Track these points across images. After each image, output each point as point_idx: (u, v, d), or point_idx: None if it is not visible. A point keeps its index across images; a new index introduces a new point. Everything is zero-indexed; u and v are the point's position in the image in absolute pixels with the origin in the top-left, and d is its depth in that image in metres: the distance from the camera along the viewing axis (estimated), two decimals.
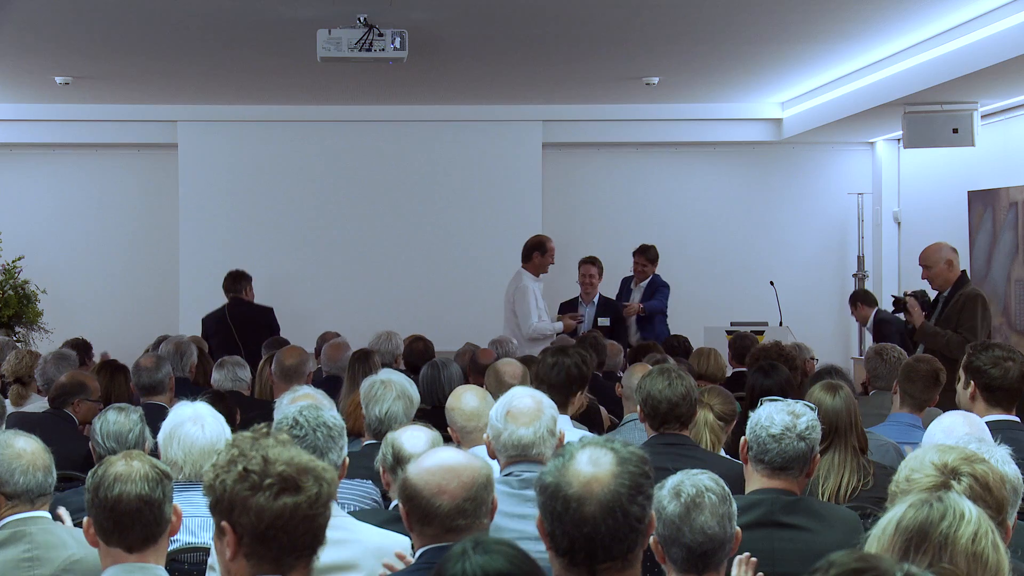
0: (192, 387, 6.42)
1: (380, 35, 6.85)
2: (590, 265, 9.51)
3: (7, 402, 5.76)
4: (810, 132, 10.59)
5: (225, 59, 8.65)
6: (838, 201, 11.68)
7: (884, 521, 2.18)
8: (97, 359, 7.56)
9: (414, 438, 3.72)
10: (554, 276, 9.85)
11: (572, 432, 4.42)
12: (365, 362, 6.05)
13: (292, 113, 11.05)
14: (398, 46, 6.91)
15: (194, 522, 3.56)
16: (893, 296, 8.08)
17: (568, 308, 9.43)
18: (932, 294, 7.40)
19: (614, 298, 9.68)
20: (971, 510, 2.15)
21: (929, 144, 8.83)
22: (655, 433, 4.28)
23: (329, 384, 6.82)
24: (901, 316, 7.72)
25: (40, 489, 3.39)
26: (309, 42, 7.02)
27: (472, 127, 11.18)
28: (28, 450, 3.40)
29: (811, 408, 3.53)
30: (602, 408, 6.01)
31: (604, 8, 6.98)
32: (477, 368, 6.48)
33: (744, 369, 6.71)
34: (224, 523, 2.42)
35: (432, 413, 5.30)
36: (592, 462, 2.41)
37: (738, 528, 2.88)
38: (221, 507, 2.43)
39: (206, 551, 3.43)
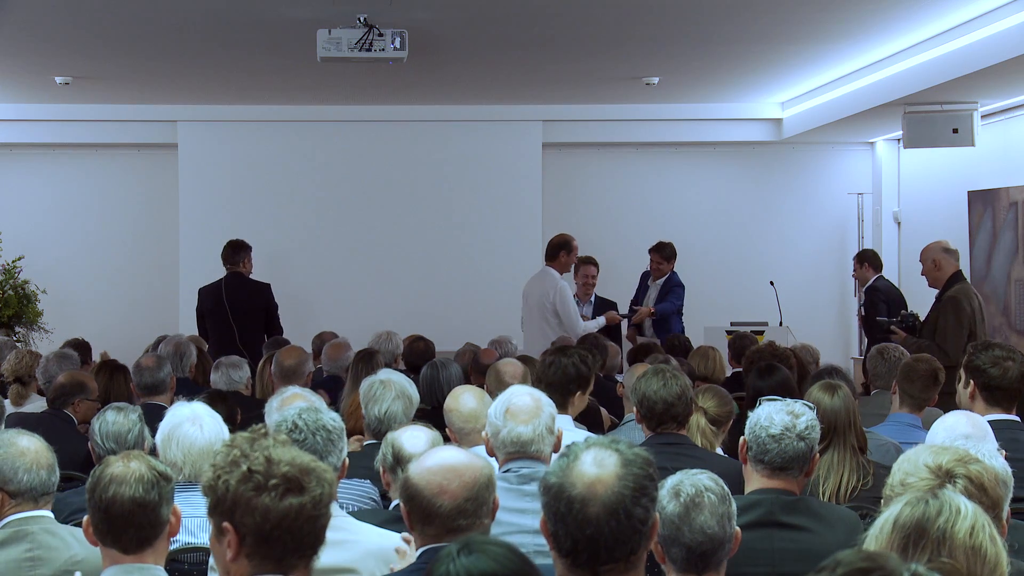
0: (192, 387, 6.42)
1: (380, 35, 6.85)
2: (591, 266, 9.52)
3: (7, 402, 5.76)
4: (810, 132, 10.60)
5: (225, 59, 8.65)
6: (838, 201, 11.68)
7: (881, 520, 2.18)
8: (97, 359, 7.55)
9: (414, 438, 3.72)
10: None
11: (572, 432, 4.42)
12: (369, 362, 6.05)
13: (292, 113, 11.05)
14: (398, 46, 6.91)
15: (194, 522, 3.56)
16: (880, 320, 8.09)
17: None
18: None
19: (633, 294, 9.69)
20: (967, 505, 2.16)
21: (929, 144, 8.83)
22: (652, 433, 4.29)
23: (330, 384, 6.83)
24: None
25: (43, 488, 3.39)
26: (309, 42, 7.02)
27: (472, 127, 11.18)
28: (31, 448, 3.40)
29: (810, 408, 3.53)
30: (602, 409, 6.01)
31: (604, 8, 6.98)
32: (479, 368, 6.47)
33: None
34: (226, 523, 2.41)
35: (432, 413, 5.30)
36: (597, 463, 2.41)
37: (737, 528, 2.88)
38: (223, 507, 2.42)
39: (206, 551, 3.43)
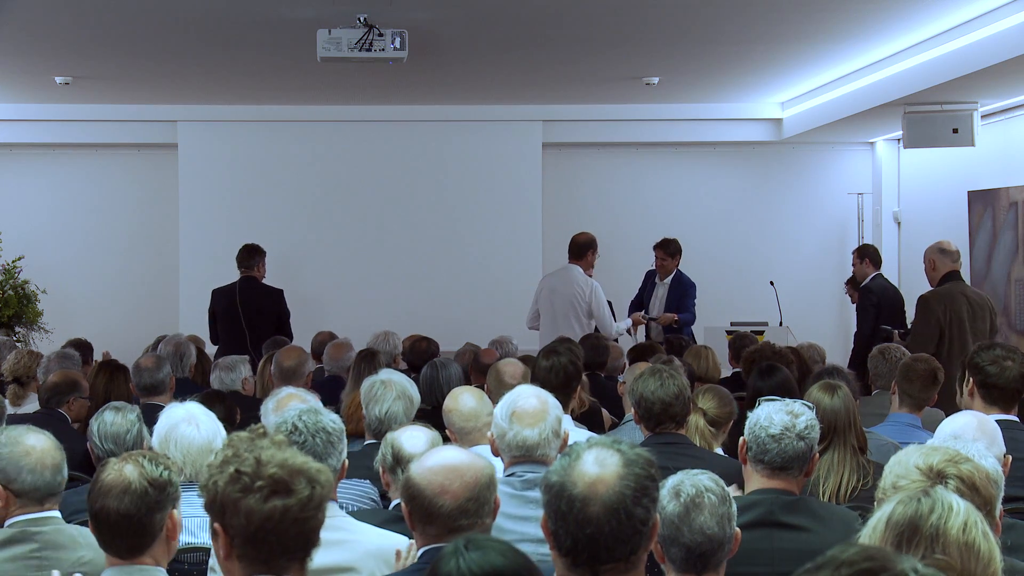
0: (192, 387, 6.41)
1: (380, 35, 6.85)
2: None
3: (6, 402, 5.75)
4: (810, 132, 10.60)
5: (225, 59, 8.65)
6: (838, 201, 11.68)
7: (874, 519, 2.19)
8: (99, 359, 7.55)
9: (413, 438, 3.71)
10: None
11: (574, 432, 4.42)
12: (371, 362, 6.04)
13: (292, 113, 11.05)
14: (398, 46, 6.91)
15: (193, 522, 3.56)
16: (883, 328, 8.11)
17: None
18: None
19: (637, 292, 9.69)
20: (959, 502, 2.16)
21: (929, 144, 8.83)
22: (650, 434, 4.28)
23: (331, 384, 6.83)
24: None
25: (48, 488, 3.32)
26: (309, 42, 7.02)
27: (472, 127, 11.18)
28: (37, 447, 3.33)
29: (809, 407, 3.53)
30: (603, 409, 6.01)
31: (604, 8, 6.98)
32: (480, 368, 6.46)
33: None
34: (216, 524, 2.42)
35: (432, 413, 5.29)
36: (598, 463, 2.41)
37: (737, 529, 2.88)
38: (215, 508, 2.43)
39: (206, 551, 3.42)
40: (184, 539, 3.51)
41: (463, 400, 4.40)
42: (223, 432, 3.82)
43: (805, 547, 3.29)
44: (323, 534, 2.48)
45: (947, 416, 3.95)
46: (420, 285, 11.14)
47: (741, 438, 3.51)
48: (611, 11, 7.05)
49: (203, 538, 3.55)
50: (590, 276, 8.81)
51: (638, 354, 6.81)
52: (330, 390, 6.59)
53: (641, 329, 9.31)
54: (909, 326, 7.60)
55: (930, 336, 6.87)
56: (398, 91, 10.09)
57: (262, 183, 11.14)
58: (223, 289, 9.19)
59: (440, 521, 2.83)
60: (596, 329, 8.61)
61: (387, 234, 11.20)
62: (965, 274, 7.59)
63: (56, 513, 3.37)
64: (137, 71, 9.17)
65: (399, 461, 3.64)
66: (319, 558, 2.54)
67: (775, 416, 3.43)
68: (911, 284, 9.76)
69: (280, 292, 9.20)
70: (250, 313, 8.96)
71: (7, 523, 3.31)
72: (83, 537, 3.30)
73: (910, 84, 8.18)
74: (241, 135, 11.10)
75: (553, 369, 4.93)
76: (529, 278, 9.86)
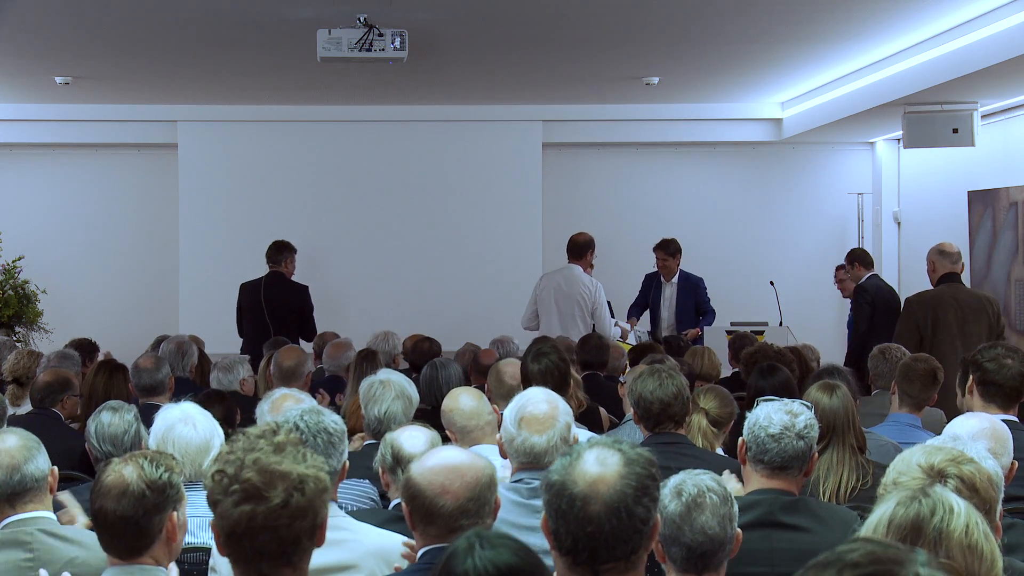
0: (192, 387, 6.41)
1: (380, 35, 6.85)
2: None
3: (6, 402, 5.74)
4: (810, 132, 10.59)
5: (225, 59, 8.65)
6: (838, 201, 11.68)
7: (875, 520, 2.18)
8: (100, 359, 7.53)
9: (413, 438, 3.71)
10: None
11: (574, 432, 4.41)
12: (372, 361, 6.04)
13: (292, 113, 11.05)
14: (398, 46, 6.91)
15: (194, 522, 3.55)
16: None
17: None
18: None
19: (638, 295, 9.70)
20: (959, 503, 2.16)
21: (929, 144, 8.83)
22: (650, 434, 4.28)
23: (331, 384, 6.82)
24: None
25: (6, 487, 3.27)
26: (309, 42, 7.02)
27: (472, 127, 11.18)
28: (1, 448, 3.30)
29: (808, 407, 3.53)
30: (601, 408, 6.01)
31: (604, 8, 6.98)
32: (479, 369, 6.46)
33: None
34: (211, 522, 2.45)
35: (432, 413, 5.29)
36: (599, 462, 2.41)
37: (739, 529, 2.88)
38: (209, 505, 2.46)
39: (206, 551, 3.42)
40: (184, 539, 3.51)
41: (463, 400, 4.40)
42: (220, 432, 3.82)
43: (804, 547, 3.29)
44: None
45: (947, 416, 3.95)
46: (420, 285, 11.14)
47: (740, 438, 3.51)
48: (611, 11, 7.05)
49: (203, 538, 3.55)
50: (537, 273, 8.87)
51: (639, 354, 6.81)
52: (330, 390, 6.59)
53: (631, 336, 9.30)
54: None
55: (907, 339, 6.86)
56: (398, 91, 10.09)
57: (262, 183, 11.14)
58: (250, 284, 9.32)
59: (441, 521, 2.83)
60: (594, 329, 8.62)
61: (387, 234, 11.20)
62: (965, 274, 7.56)
63: (48, 513, 3.35)
64: (137, 71, 9.17)
65: (399, 461, 3.63)
66: (320, 557, 2.54)
67: (774, 416, 3.43)
68: (911, 284, 9.76)
69: (305, 288, 9.33)
70: (274, 308, 9.10)
71: (1, 524, 3.30)
72: (76, 536, 3.29)
73: (910, 84, 8.18)
74: (241, 135, 11.10)
75: (548, 371, 4.91)
76: (529, 278, 9.84)
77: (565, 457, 2.46)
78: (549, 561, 2.42)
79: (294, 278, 9.42)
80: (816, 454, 3.51)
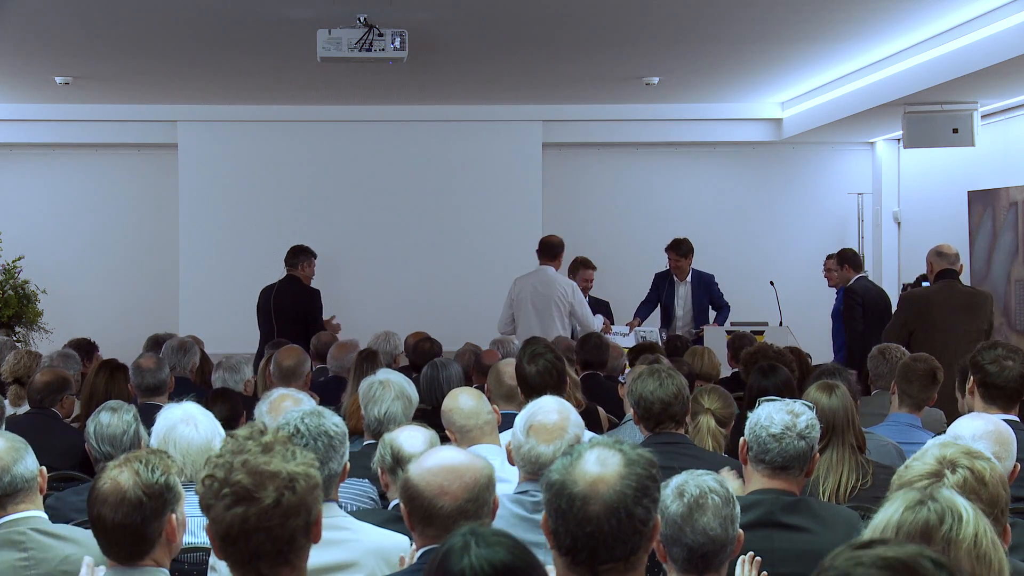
0: (191, 387, 6.40)
1: (380, 35, 6.85)
2: (591, 269, 9.64)
3: (6, 402, 5.74)
4: (810, 132, 10.59)
5: (225, 59, 8.65)
6: (838, 201, 11.68)
7: (881, 522, 2.16)
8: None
9: (412, 438, 3.70)
10: None
11: None
12: (372, 362, 6.04)
13: (292, 113, 11.05)
14: (398, 46, 6.91)
15: (194, 522, 3.54)
16: None
17: None
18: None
19: (649, 293, 9.74)
20: (967, 508, 2.14)
21: (929, 144, 8.83)
22: (650, 434, 4.28)
23: (333, 384, 6.81)
24: None
25: None
26: (309, 42, 7.02)
27: (472, 127, 11.18)
28: None
29: (809, 407, 3.52)
30: (600, 409, 6.00)
31: (604, 8, 6.98)
32: (481, 369, 6.45)
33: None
34: (206, 524, 2.45)
35: (432, 413, 5.29)
36: (600, 462, 2.40)
37: (740, 531, 2.88)
38: (201, 509, 2.45)
39: (206, 551, 3.42)
40: (184, 539, 3.51)
41: (462, 400, 4.39)
42: (222, 432, 3.80)
43: (805, 548, 3.29)
44: (324, 533, 2.48)
45: (946, 417, 3.94)
46: (420, 285, 11.14)
47: (741, 438, 3.50)
48: (611, 11, 7.05)
49: (203, 538, 3.53)
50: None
51: (638, 354, 6.81)
52: (333, 390, 6.58)
53: (632, 336, 9.31)
54: None
55: (895, 336, 6.89)
56: (398, 91, 10.09)
57: (262, 183, 11.14)
58: (267, 287, 9.46)
59: (439, 522, 2.82)
60: (575, 329, 8.67)
61: (386, 234, 11.20)
62: (965, 274, 7.57)
63: (40, 513, 3.35)
64: (137, 71, 9.17)
65: (399, 462, 3.63)
66: (320, 557, 2.54)
67: (776, 416, 3.43)
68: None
69: (315, 292, 9.41)
70: (281, 311, 9.23)
71: None
72: (71, 535, 3.28)
73: (910, 84, 8.18)
74: (241, 135, 11.10)
75: (544, 371, 4.89)
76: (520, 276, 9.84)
77: (566, 457, 2.45)
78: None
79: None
80: (817, 454, 3.51)
